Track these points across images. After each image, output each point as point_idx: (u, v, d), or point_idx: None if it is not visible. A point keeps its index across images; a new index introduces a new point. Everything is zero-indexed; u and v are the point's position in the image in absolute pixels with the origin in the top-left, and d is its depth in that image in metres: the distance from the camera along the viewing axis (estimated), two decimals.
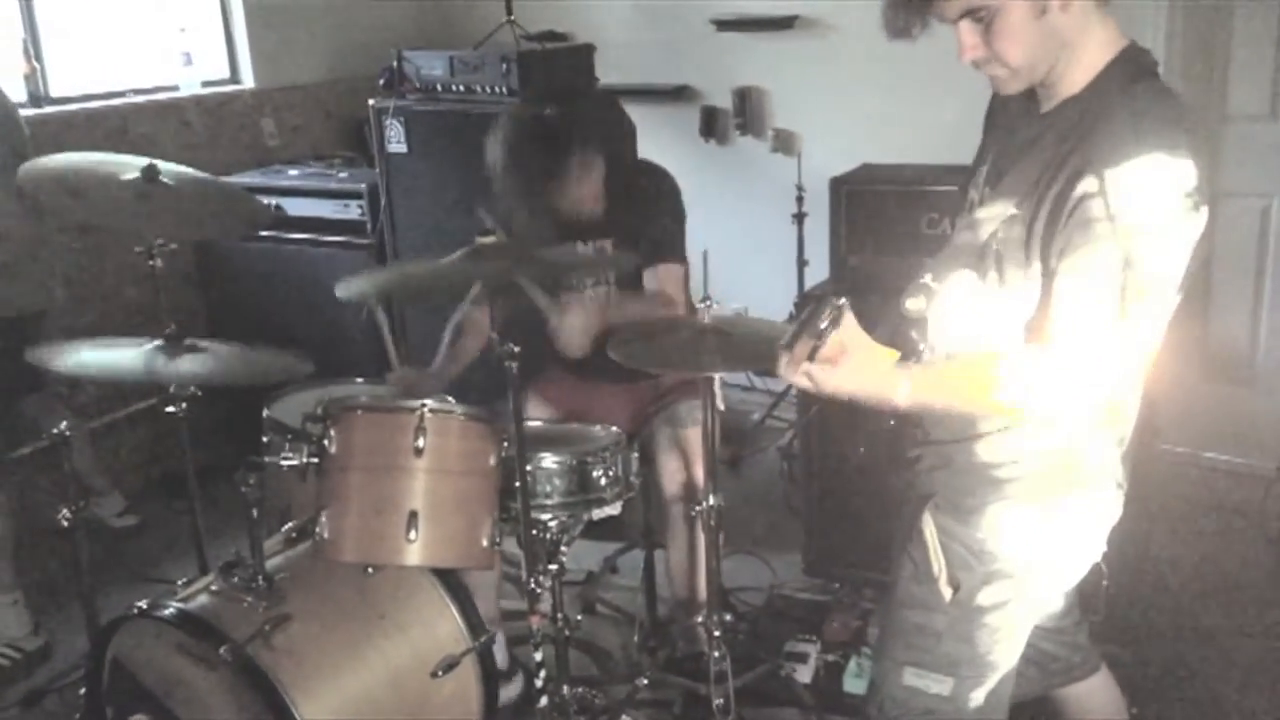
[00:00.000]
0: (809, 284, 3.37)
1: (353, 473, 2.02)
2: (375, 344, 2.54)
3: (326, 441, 2.04)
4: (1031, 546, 1.59)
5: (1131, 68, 1.47)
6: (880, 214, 2.76)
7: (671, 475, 2.47)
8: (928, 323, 1.57)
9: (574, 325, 2.29)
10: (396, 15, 4.59)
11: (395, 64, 3.64)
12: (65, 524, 2.34)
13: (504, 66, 3.37)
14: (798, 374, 1.44)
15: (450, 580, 2.17)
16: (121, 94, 3.96)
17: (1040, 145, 1.50)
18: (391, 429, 2.02)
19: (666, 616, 2.71)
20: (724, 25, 4.07)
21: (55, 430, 2.33)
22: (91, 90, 3.89)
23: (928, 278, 1.58)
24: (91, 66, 3.93)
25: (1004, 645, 1.64)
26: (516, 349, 1.97)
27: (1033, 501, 1.57)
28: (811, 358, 1.42)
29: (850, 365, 1.43)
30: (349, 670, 2.03)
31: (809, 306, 1.46)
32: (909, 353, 1.53)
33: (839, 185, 2.82)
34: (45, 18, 3.74)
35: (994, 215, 1.51)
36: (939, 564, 1.60)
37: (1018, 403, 1.45)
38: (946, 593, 1.60)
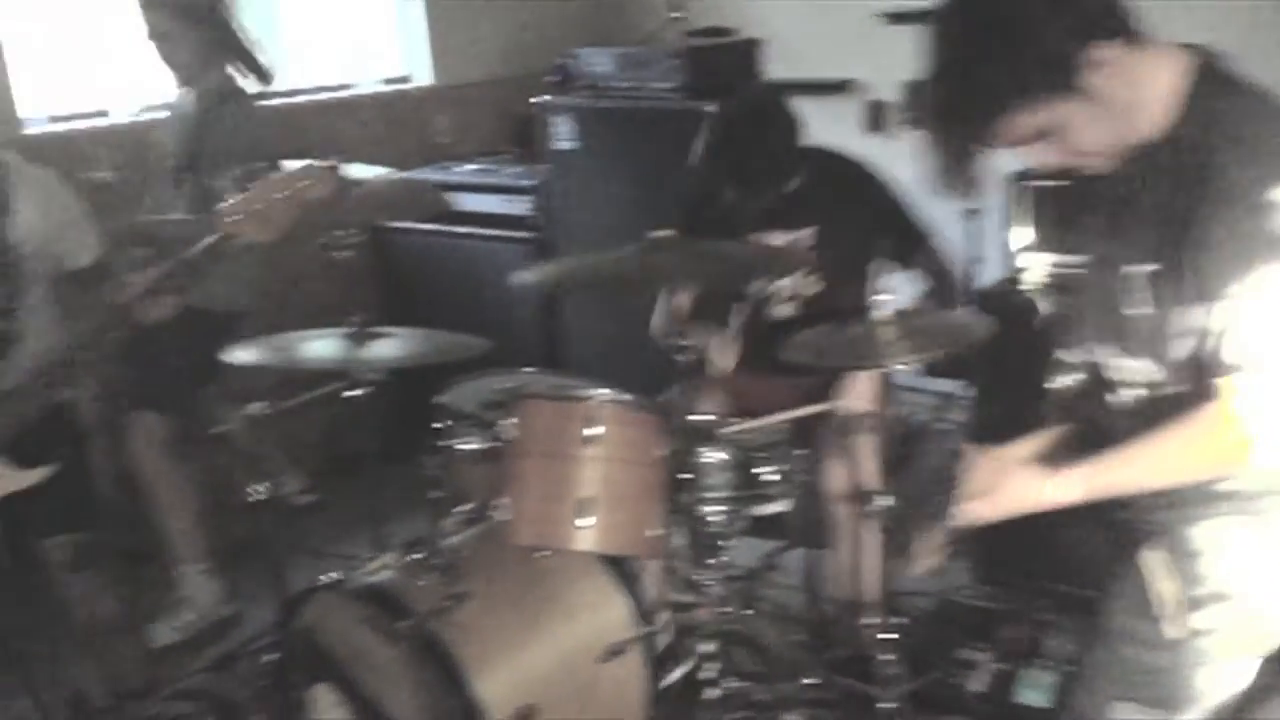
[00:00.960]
0: (981, 282, 3.29)
1: (529, 459, 2.06)
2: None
3: (505, 428, 2.09)
4: (1248, 567, 1.51)
5: (1209, 86, 1.40)
6: (1064, 209, 2.67)
7: (839, 475, 2.44)
8: (1103, 389, 1.53)
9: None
10: (569, 12, 4.65)
11: (564, 61, 3.71)
12: (254, 500, 2.48)
13: (671, 63, 3.39)
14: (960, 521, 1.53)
15: (619, 567, 2.21)
16: (302, 92, 4.14)
17: (1147, 196, 1.43)
18: (567, 417, 2.05)
19: (829, 617, 2.69)
20: (896, 18, 4.00)
21: (247, 411, 2.47)
22: (274, 88, 4.07)
23: (1075, 353, 1.54)
24: (275, 65, 4.10)
25: (1209, 672, 1.55)
26: (688, 341, 1.99)
27: (1250, 517, 1.49)
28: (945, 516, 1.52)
29: (1004, 489, 1.50)
30: (522, 650, 2.08)
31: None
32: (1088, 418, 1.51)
33: (1020, 180, 2.75)
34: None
35: (1130, 275, 1.45)
36: (1164, 601, 1.54)
37: (1255, 434, 1.38)
38: (1171, 630, 1.54)
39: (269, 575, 2.61)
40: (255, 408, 2.44)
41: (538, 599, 2.14)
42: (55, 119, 3.59)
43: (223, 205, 2.14)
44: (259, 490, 2.47)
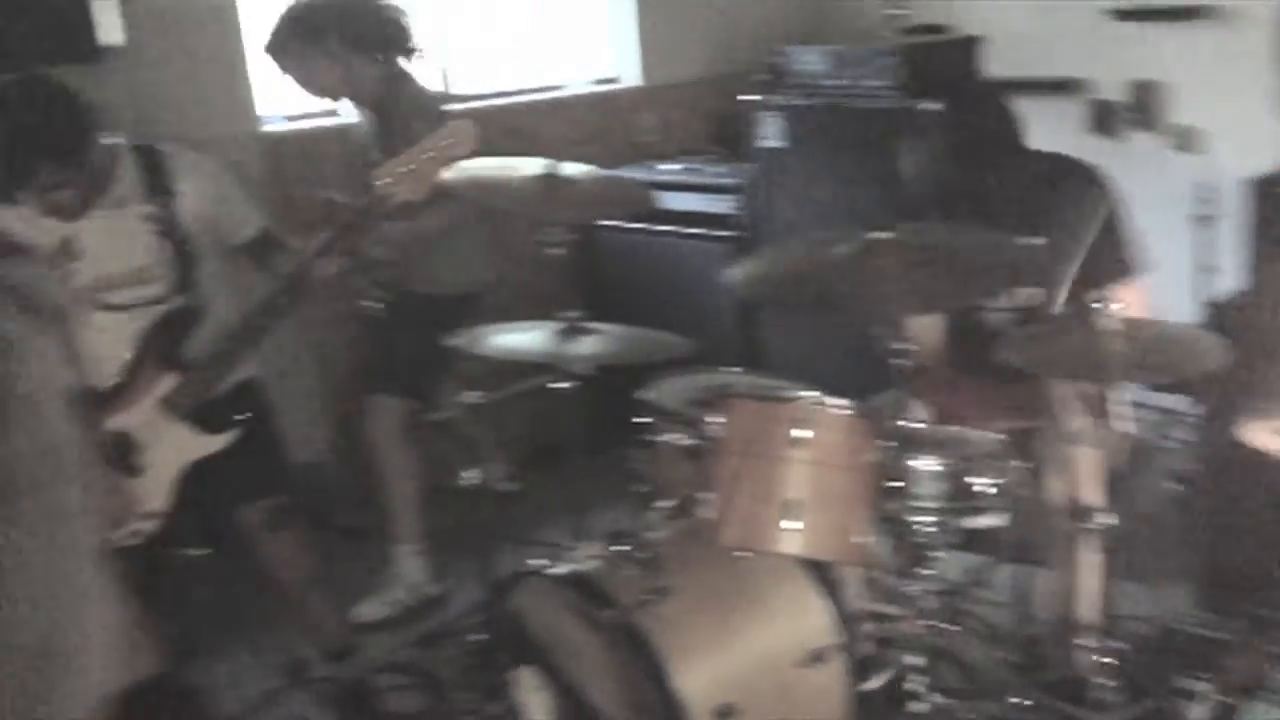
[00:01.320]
0: (1215, 292, 3.10)
1: (736, 458, 2.06)
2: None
3: (712, 426, 2.10)
4: None
5: None
6: None
7: (1057, 491, 2.33)
8: None
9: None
10: (777, 12, 4.62)
11: (774, 59, 3.69)
12: (466, 486, 2.58)
13: (887, 61, 3.33)
14: None
15: (822, 573, 2.18)
16: (515, 93, 4.25)
17: None
18: (776, 418, 2.05)
19: (1040, 637, 2.58)
20: (1125, 15, 3.81)
21: (460, 400, 2.57)
22: (488, 89, 4.19)
23: None
24: (489, 65, 4.24)
25: None
26: (907, 345, 1.94)
27: None
28: None
29: None
30: (722, 649, 2.08)
31: None
32: None
33: (1267, 187, 2.56)
34: (447, 18, 4.05)
35: None
36: None
37: None
38: None
39: (474, 558, 2.71)
40: (472, 396, 2.54)
41: (739, 599, 2.13)
42: (291, 118, 3.82)
43: (377, 169, 2.29)
44: (471, 476, 2.57)
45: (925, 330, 2.44)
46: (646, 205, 2.99)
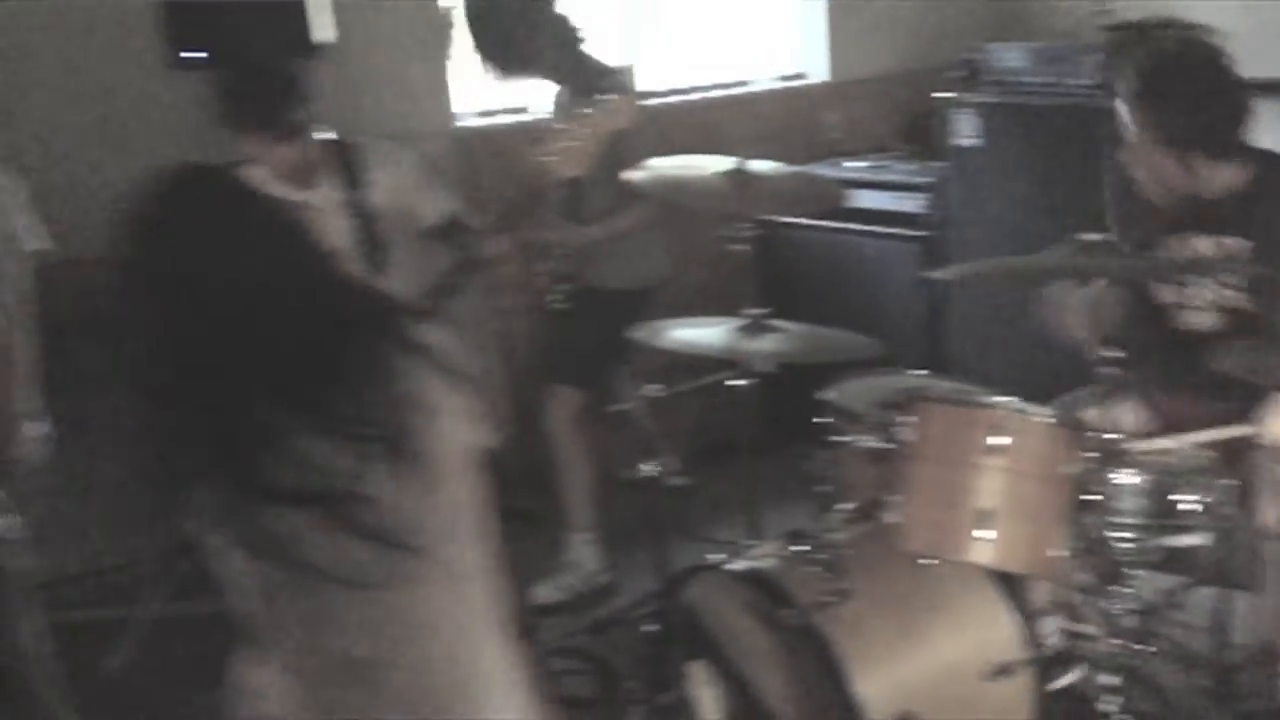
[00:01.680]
0: None
1: (926, 463, 2.02)
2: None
3: (901, 429, 2.05)
4: None
5: None
6: None
7: (1270, 512, 2.20)
8: None
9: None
10: (969, 8, 4.49)
11: (971, 56, 3.59)
12: (642, 478, 2.60)
13: (1093, 58, 3.19)
14: None
15: (1011, 585, 2.11)
16: (702, 89, 4.27)
17: None
18: (971, 424, 2.00)
19: (1240, 664, 2.44)
20: None
21: (640, 394, 2.60)
22: (675, 86, 4.22)
23: None
24: (675, 61, 4.26)
25: None
26: (1120, 355, 1.87)
27: None
28: None
29: None
30: (903, 656, 2.04)
31: None
32: None
33: None
34: (635, 15, 4.10)
35: None
36: None
37: None
38: None
39: (646, 550, 2.73)
40: (652, 389, 2.56)
41: (923, 606, 2.09)
42: (482, 114, 3.94)
43: (537, 148, 2.33)
44: (648, 469, 2.59)
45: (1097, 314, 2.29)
46: (837, 202, 2.97)
